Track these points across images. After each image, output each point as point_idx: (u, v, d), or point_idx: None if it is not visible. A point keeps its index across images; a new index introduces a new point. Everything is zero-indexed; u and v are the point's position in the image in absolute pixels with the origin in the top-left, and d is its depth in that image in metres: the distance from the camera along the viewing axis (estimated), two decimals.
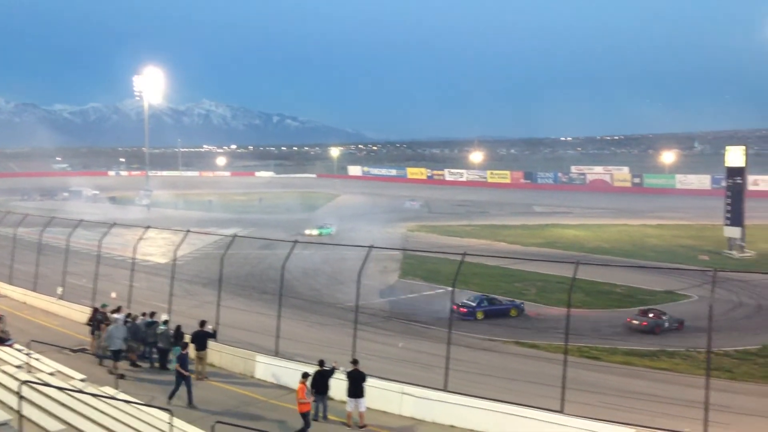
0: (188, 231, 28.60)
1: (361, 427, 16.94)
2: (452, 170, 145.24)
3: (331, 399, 17.84)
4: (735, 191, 52.31)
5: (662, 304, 34.56)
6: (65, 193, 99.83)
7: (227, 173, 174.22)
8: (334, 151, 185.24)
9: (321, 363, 17.75)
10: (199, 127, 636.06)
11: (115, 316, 22.77)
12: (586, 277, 37.23)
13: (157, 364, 21.96)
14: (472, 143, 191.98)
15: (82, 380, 17.96)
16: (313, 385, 17.09)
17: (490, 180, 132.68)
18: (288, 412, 17.86)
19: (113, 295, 28.23)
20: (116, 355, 21.11)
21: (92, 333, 23.26)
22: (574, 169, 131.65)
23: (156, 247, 50.87)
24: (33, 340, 20.88)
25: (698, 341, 27.14)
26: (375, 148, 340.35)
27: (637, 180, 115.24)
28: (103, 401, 15.15)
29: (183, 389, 18.26)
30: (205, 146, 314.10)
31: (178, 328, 21.75)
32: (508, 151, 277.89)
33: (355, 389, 17.01)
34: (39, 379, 16.84)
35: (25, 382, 13.90)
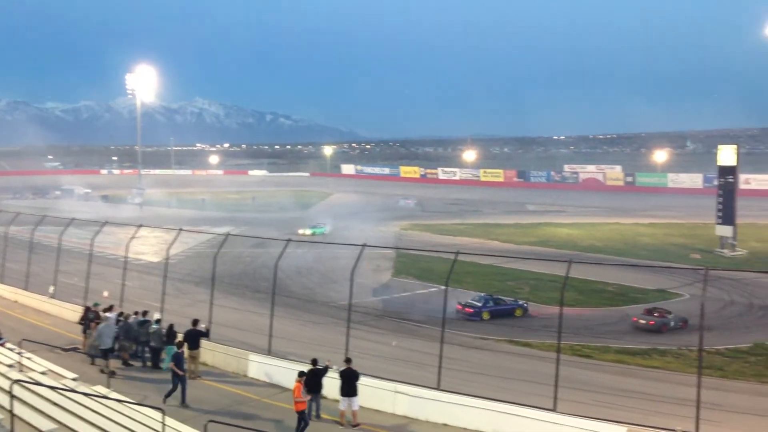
0: (181, 230, 28.56)
1: (355, 425, 16.93)
2: (445, 169, 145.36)
3: (324, 398, 17.81)
4: (727, 190, 52.54)
5: (654, 302, 34.72)
6: (57, 192, 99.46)
7: (220, 172, 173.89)
8: (328, 150, 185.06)
9: (314, 362, 17.72)
10: (192, 126, 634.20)
11: (107, 315, 22.70)
12: (578, 276, 37.32)
13: (149, 363, 21.88)
14: (466, 142, 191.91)
15: (74, 379, 17.93)
16: (306, 383, 17.06)
17: (483, 179, 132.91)
18: (281, 410, 17.85)
19: (105, 293, 28.13)
20: (106, 354, 21.01)
21: (84, 332, 23.16)
22: (566, 167, 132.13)
23: (148, 246, 50.75)
24: (24, 339, 20.77)
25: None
26: (368, 146, 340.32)
27: (629, 179, 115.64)
28: (95, 400, 15.11)
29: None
30: (198, 145, 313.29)
31: (171, 327, 21.70)
32: (502, 149, 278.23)
33: (348, 388, 16.99)
34: (31, 378, 16.79)
35: (16, 381, 13.86)
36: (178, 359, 18.35)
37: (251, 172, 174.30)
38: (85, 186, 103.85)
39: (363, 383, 17.34)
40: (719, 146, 55.31)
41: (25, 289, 31.63)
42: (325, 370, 17.65)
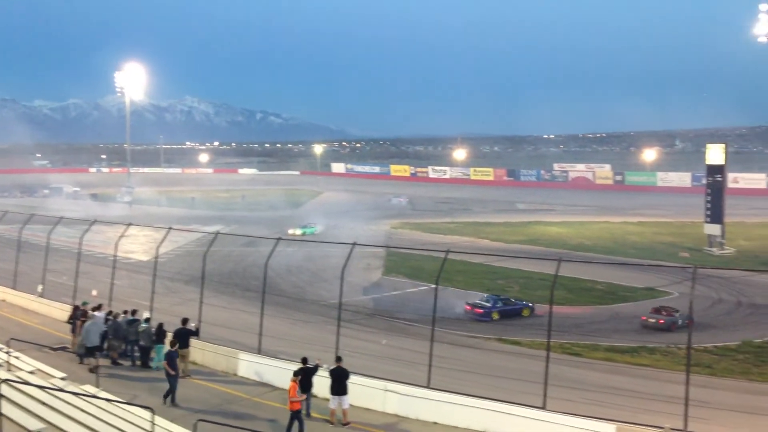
0: (170, 228, 28.44)
1: (345, 424, 16.93)
2: (436, 167, 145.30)
3: (315, 396, 17.81)
4: (715, 189, 52.84)
5: (643, 301, 34.93)
6: (45, 190, 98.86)
7: (210, 170, 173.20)
8: (318, 148, 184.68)
9: (304, 360, 17.70)
10: (182, 124, 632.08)
11: (96, 314, 22.58)
12: (568, 274, 37.37)
13: (138, 363, 21.79)
14: (456, 140, 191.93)
15: (62, 378, 17.86)
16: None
17: (473, 177, 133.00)
18: (271, 409, 17.84)
19: (94, 292, 27.96)
20: (91, 352, 20.89)
21: (73, 331, 23.05)
22: (556, 166, 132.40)
23: (138, 245, 50.55)
24: (12, 338, 20.66)
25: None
26: (358, 145, 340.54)
27: (618, 177, 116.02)
28: (84, 400, 15.04)
29: (167, 386, 18.12)
30: (187, 143, 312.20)
31: (160, 325, 21.63)
32: (492, 148, 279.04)
33: (339, 386, 16.98)
34: (19, 377, 16.70)
35: (4, 381, 13.77)
36: (171, 358, 18.28)
37: (241, 171, 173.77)
38: (74, 184, 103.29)
39: (353, 382, 17.34)
40: (708, 145, 55.66)
41: (13, 288, 31.38)
42: (315, 368, 17.64)
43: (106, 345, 21.67)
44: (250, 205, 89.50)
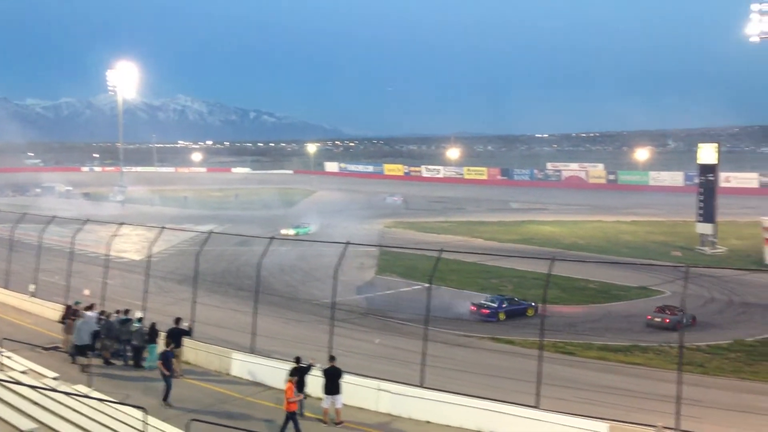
0: (163, 227, 28.37)
1: (338, 423, 16.93)
2: (429, 167, 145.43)
3: (308, 396, 17.79)
4: (707, 188, 53.03)
5: (636, 300, 35.03)
6: (38, 189, 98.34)
7: (203, 169, 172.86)
8: (311, 147, 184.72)
9: (297, 360, 17.68)
10: (175, 123, 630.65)
11: (88, 313, 22.49)
12: (561, 273, 37.49)
13: (131, 362, 21.72)
14: (449, 140, 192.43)
15: (54, 378, 17.78)
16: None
17: (466, 176, 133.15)
18: (264, 409, 17.81)
19: (86, 292, 27.87)
20: (82, 351, 20.81)
21: (65, 331, 22.96)
22: (549, 166, 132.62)
23: (130, 244, 50.37)
24: (5, 338, 20.57)
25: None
26: (352, 144, 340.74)
27: (611, 177, 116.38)
28: (77, 399, 14.99)
29: (161, 385, 18.08)
30: (180, 142, 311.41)
31: (153, 325, 21.57)
32: (485, 147, 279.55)
33: (332, 386, 16.98)
34: (11, 377, 16.62)
35: None
36: (166, 359, 18.21)
37: (234, 170, 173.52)
38: (66, 183, 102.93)
39: (346, 381, 17.35)
40: (700, 144, 55.82)
41: (6, 287, 31.23)
42: (308, 368, 17.63)
43: (98, 344, 21.58)
44: (244, 204, 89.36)
